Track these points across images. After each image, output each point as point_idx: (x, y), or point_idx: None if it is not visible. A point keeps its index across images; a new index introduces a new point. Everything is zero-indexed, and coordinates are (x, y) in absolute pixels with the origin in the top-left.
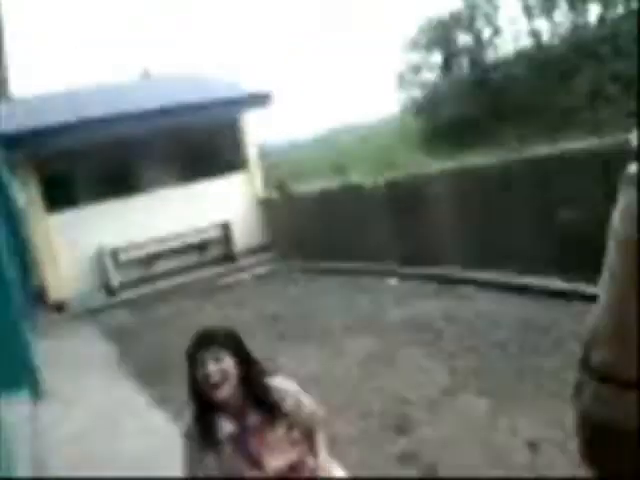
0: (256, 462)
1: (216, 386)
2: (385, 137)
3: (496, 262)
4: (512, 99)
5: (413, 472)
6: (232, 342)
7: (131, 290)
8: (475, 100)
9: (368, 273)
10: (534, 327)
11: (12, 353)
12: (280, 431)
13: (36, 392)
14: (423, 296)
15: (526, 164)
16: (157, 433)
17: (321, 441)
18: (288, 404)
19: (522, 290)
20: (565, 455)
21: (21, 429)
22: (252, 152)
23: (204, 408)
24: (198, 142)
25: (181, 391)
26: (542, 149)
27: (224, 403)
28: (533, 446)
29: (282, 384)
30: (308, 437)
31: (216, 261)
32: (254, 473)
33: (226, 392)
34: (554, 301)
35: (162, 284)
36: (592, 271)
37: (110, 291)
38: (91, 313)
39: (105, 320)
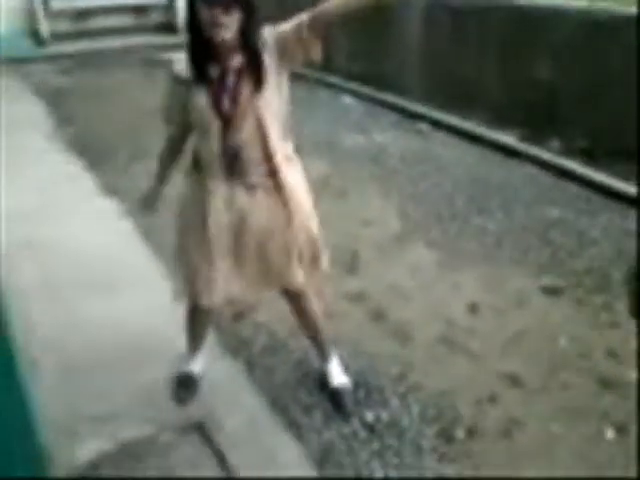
0: (233, 97)
1: (220, 26)
2: None
3: (459, 105)
4: None
5: (361, 311)
6: None
7: (62, 44)
8: None
9: (326, 85)
10: (484, 184)
11: None
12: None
13: None
14: (380, 124)
15: (514, 10)
16: (105, 223)
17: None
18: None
19: (480, 141)
20: (501, 323)
21: None
22: None
23: (199, 48)
24: None
25: (125, 182)
26: None
27: (219, 45)
28: (472, 307)
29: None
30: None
31: (156, 29)
32: (229, 105)
33: (228, 34)
34: (508, 159)
35: (96, 44)
36: (552, 136)
37: (39, 41)
38: (19, 62)
39: (35, 74)
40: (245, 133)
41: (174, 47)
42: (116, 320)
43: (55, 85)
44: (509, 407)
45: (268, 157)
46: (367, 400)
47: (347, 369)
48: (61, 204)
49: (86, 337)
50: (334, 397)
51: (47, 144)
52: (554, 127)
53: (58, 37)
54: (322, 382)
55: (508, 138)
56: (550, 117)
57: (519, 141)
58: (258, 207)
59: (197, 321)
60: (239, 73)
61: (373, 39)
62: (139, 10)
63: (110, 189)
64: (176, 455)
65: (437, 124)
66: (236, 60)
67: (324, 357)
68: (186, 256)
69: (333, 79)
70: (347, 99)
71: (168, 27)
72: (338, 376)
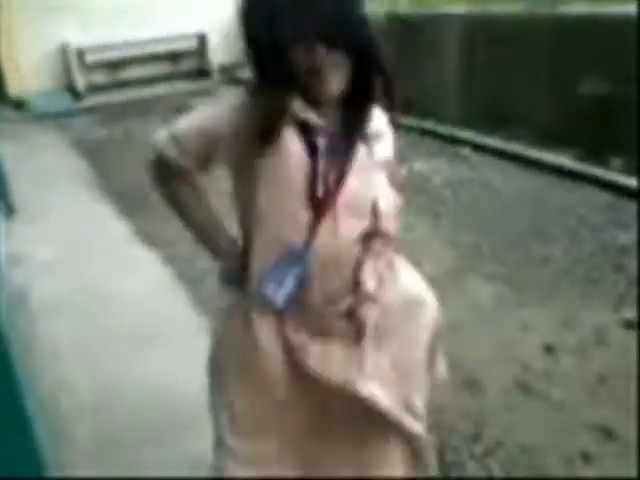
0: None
1: (325, 80)
2: None
3: (501, 127)
4: None
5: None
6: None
7: (98, 96)
8: None
9: None
10: (543, 208)
11: None
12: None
13: (8, 208)
14: (421, 152)
15: (552, 21)
16: (143, 271)
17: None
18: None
19: (528, 163)
20: (583, 364)
21: None
22: None
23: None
24: None
25: (163, 229)
26: (573, 7)
27: (319, 103)
28: (547, 347)
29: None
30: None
31: (189, 75)
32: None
33: (337, 88)
34: (562, 181)
35: (131, 93)
36: (609, 153)
37: (75, 94)
38: (55, 117)
39: (72, 128)
40: (338, 239)
41: (206, 92)
42: (150, 381)
43: (92, 137)
44: (606, 465)
45: (359, 285)
46: (441, 464)
47: None
48: (96, 251)
49: (118, 400)
50: None
51: (84, 193)
52: (612, 144)
53: (94, 89)
54: None
55: (563, 159)
56: (606, 134)
57: (576, 161)
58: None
59: None
60: (350, 140)
61: (409, 67)
62: (172, 57)
63: (147, 237)
64: None
65: (480, 148)
66: (337, 120)
67: None
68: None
69: None
70: None
71: (201, 72)
72: None
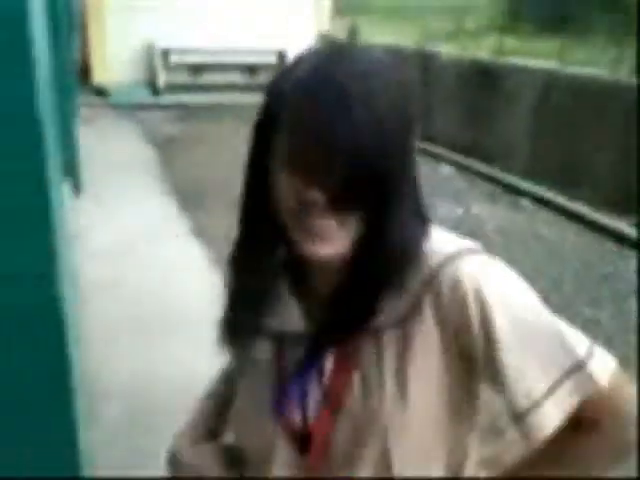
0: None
1: (321, 237)
2: None
3: (566, 185)
4: None
5: None
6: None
7: (176, 95)
8: None
9: (424, 153)
10: (594, 271)
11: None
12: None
13: (76, 187)
14: (480, 196)
15: (634, 89)
16: (193, 267)
17: None
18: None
19: (587, 224)
20: None
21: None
22: None
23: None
24: None
25: (220, 227)
26: None
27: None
28: None
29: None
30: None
31: (265, 88)
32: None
33: (334, 249)
34: (619, 246)
35: (208, 97)
36: None
37: (155, 90)
38: (133, 108)
39: (147, 120)
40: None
41: None
42: (184, 368)
43: (165, 132)
44: None
45: None
46: None
47: None
48: (152, 242)
49: (152, 385)
50: None
51: (149, 184)
52: None
53: (173, 88)
54: None
55: (624, 226)
56: None
57: (635, 227)
58: None
59: None
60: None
61: (481, 112)
62: (251, 69)
63: (203, 234)
64: None
65: (541, 201)
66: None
67: None
68: None
69: (436, 149)
70: (446, 169)
71: None
72: None
